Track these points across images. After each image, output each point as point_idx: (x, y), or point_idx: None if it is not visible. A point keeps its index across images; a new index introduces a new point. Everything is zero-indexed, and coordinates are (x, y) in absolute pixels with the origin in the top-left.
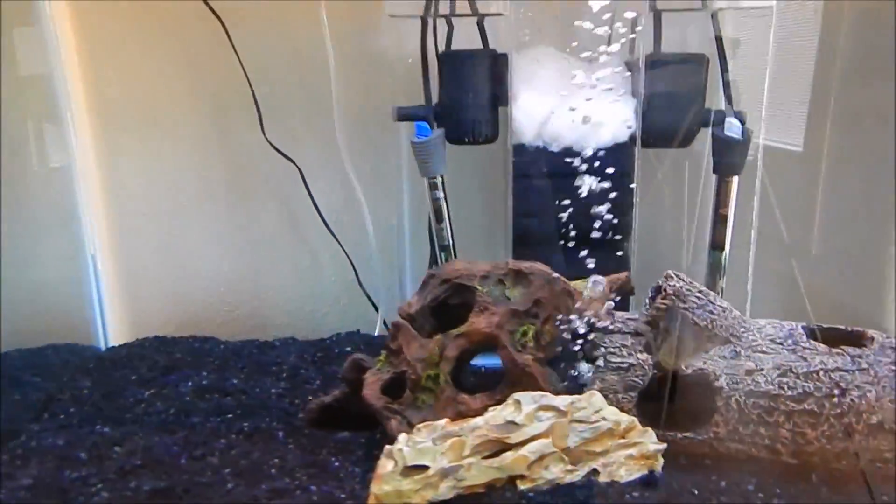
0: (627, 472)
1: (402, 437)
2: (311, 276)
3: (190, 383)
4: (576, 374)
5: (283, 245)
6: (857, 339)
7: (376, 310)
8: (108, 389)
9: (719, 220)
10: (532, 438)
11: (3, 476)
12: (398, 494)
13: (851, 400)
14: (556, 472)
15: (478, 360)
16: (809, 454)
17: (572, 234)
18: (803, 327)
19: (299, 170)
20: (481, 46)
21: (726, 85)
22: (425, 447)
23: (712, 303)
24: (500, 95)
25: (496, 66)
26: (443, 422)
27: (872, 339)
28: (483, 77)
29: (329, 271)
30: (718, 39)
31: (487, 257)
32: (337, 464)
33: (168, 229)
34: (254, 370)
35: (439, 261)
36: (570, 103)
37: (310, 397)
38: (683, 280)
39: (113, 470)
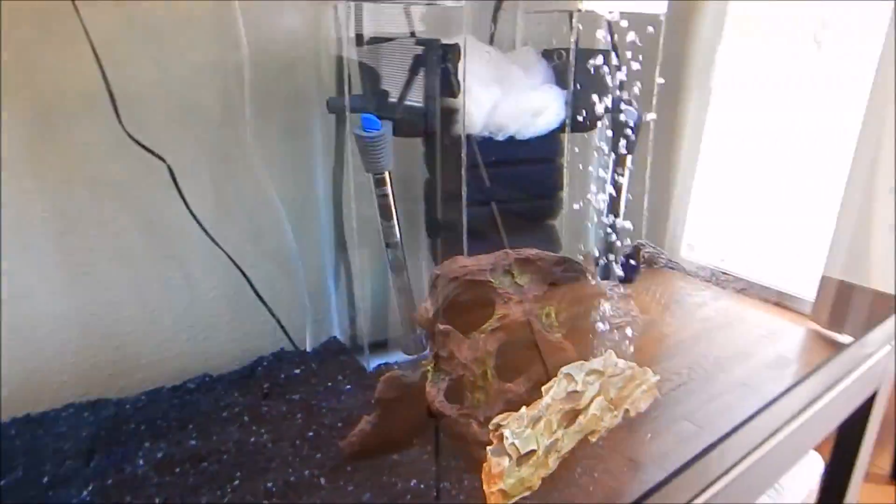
0: (645, 404)
1: (508, 432)
2: (186, 294)
3: (141, 462)
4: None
5: (147, 264)
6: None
7: (278, 322)
8: None
9: (616, 191)
10: (592, 400)
11: None
12: (521, 483)
13: None
14: (608, 420)
15: None
16: None
17: (519, 214)
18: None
19: (168, 167)
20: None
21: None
22: (528, 435)
23: (671, 260)
24: (449, 87)
25: (448, 57)
26: (523, 410)
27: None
28: (438, 68)
29: (207, 286)
30: (613, 39)
31: (414, 248)
32: (422, 487)
33: None
34: (204, 424)
35: (387, 259)
36: (513, 95)
37: (310, 432)
38: (653, 247)
39: None
